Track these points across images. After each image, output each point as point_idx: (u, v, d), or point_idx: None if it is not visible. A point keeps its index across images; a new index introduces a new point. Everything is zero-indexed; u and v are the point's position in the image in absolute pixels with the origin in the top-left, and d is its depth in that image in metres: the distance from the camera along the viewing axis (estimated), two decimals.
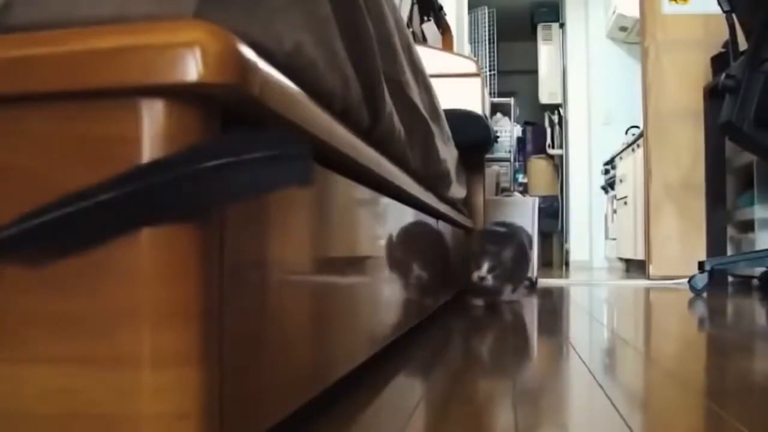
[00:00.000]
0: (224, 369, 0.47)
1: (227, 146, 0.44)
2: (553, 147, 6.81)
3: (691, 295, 2.77)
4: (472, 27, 6.30)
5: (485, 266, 2.05)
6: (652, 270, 3.76)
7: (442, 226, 1.78)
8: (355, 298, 0.90)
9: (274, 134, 0.48)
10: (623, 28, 5.90)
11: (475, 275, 2.06)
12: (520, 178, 6.72)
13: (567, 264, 6.43)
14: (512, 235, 2.24)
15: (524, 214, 3.16)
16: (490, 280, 2.06)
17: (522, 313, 2.12)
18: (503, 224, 2.39)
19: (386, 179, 0.96)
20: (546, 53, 6.84)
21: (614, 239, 5.43)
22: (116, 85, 0.44)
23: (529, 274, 3.09)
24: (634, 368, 1.18)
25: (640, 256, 4.13)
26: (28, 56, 0.45)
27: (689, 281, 2.86)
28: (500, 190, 4.40)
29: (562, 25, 6.77)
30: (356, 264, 0.90)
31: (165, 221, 0.43)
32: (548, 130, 6.89)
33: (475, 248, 2.13)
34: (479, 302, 2.21)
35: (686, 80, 3.72)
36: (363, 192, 0.91)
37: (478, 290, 2.14)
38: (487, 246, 2.10)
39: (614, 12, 5.73)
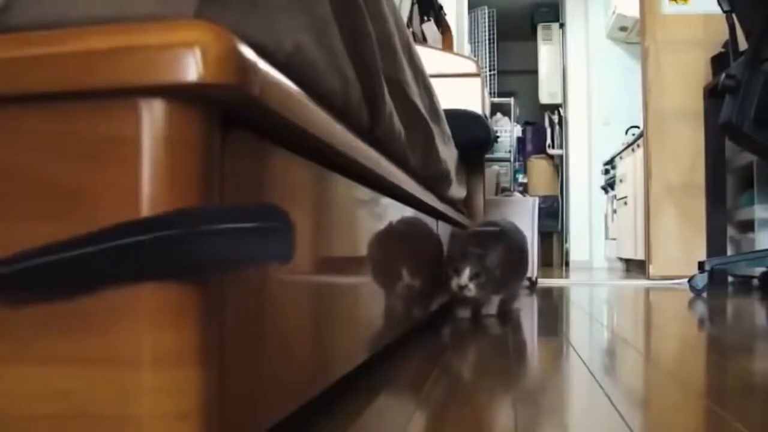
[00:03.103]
0: (224, 369, 0.47)
1: (209, 215, 0.44)
2: (553, 147, 6.81)
3: (691, 295, 2.77)
4: (472, 27, 6.30)
5: (466, 273, 1.66)
6: (652, 270, 3.76)
7: (442, 226, 1.78)
8: (355, 298, 0.90)
9: (258, 207, 0.48)
10: (623, 28, 5.90)
11: (454, 283, 1.68)
12: (520, 178, 6.72)
13: (567, 264, 6.44)
14: (501, 235, 1.84)
15: (524, 214, 3.16)
16: (472, 289, 1.67)
17: (522, 313, 2.12)
18: (494, 224, 1.98)
19: (386, 179, 0.96)
20: (546, 53, 6.84)
21: (614, 239, 5.43)
22: (116, 85, 0.44)
23: (529, 274, 3.09)
24: (634, 368, 1.18)
25: (640, 256, 4.13)
26: (28, 56, 0.45)
27: (689, 281, 2.86)
28: (500, 190, 4.40)
29: (562, 25, 6.77)
30: (356, 264, 0.90)
31: (142, 280, 0.43)
32: (548, 130, 6.89)
33: (454, 251, 1.74)
34: (465, 313, 1.93)
35: (686, 80, 3.72)
36: (363, 192, 0.91)
37: (461, 300, 1.80)
38: (470, 248, 1.71)
39: (614, 12, 5.74)
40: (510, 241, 1.85)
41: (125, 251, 0.43)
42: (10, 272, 0.44)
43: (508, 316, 1.90)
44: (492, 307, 1.87)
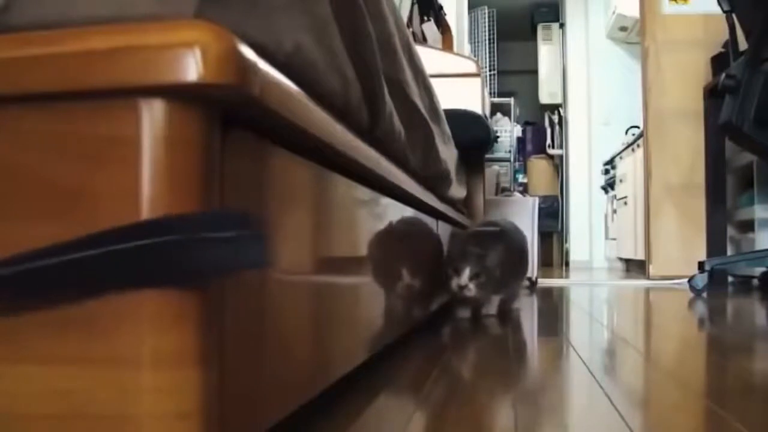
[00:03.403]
0: (224, 369, 0.47)
1: (177, 223, 0.44)
2: (553, 147, 6.81)
3: (691, 295, 2.77)
4: (472, 27, 6.30)
5: (466, 273, 1.65)
6: (652, 270, 3.76)
7: (442, 226, 1.78)
8: (355, 298, 0.90)
9: (230, 214, 0.48)
10: (623, 28, 5.90)
11: (454, 283, 1.67)
12: (520, 178, 6.72)
13: (567, 264, 6.44)
14: (502, 235, 1.82)
15: (524, 214, 3.16)
16: (472, 289, 1.66)
17: (522, 313, 2.12)
18: (494, 223, 1.95)
19: (386, 179, 0.96)
20: (546, 53, 6.84)
21: (614, 239, 5.43)
22: (116, 85, 0.44)
23: (529, 274, 3.09)
24: (634, 368, 1.18)
25: (640, 256, 4.13)
26: (28, 56, 0.45)
27: (689, 281, 2.86)
28: (500, 190, 4.40)
29: (562, 25, 6.77)
30: (356, 264, 0.90)
31: (122, 287, 0.43)
32: (548, 130, 6.89)
33: (454, 251, 1.73)
34: (466, 313, 1.92)
35: (686, 80, 3.72)
36: (363, 192, 0.91)
37: (461, 300, 1.79)
38: (470, 248, 1.70)
39: (614, 12, 5.74)
40: (510, 241, 1.84)
41: (116, 256, 0.42)
42: (11, 273, 0.43)
43: (508, 316, 1.89)
44: (492, 307, 1.87)
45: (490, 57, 6.50)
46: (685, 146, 3.71)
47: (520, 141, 6.74)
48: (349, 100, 0.75)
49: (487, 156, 3.25)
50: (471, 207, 2.65)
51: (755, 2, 2.62)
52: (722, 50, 3.41)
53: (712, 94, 3.33)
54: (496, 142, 4.53)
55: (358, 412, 0.82)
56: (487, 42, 6.46)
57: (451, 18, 4.21)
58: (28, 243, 0.44)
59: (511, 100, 5.98)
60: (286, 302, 0.61)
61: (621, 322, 1.99)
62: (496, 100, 6.00)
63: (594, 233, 6.28)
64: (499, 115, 5.92)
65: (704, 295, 2.76)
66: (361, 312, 0.94)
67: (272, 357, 0.57)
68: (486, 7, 6.44)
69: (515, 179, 6.01)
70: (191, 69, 0.42)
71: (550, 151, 6.82)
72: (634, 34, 5.36)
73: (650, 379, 1.09)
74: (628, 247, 4.75)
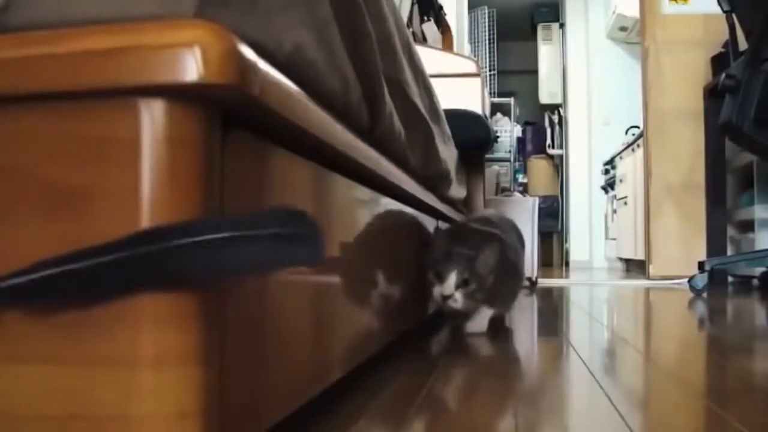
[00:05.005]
0: (225, 369, 0.47)
1: (235, 221, 0.44)
2: (553, 147, 6.82)
3: (691, 295, 2.77)
4: (472, 27, 6.30)
5: (451, 279, 1.34)
6: (652, 270, 3.76)
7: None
8: (355, 298, 0.89)
9: (284, 212, 0.48)
10: (623, 28, 5.90)
11: (436, 292, 1.36)
12: (520, 178, 6.72)
13: (567, 264, 6.44)
14: (496, 232, 1.47)
15: (524, 214, 3.16)
16: (459, 300, 1.35)
17: (522, 313, 2.12)
18: (487, 218, 1.59)
19: (386, 179, 0.96)
20: (546, 53, 6.84)
21: (614, 239, 5.43)
22: (116, 85, 0.44)
23: (529, 274, 3.09)
24: (634, 368, 1.18)
25: (640, 256, 4.13)
26: (28, 56, 0.45)
27: (689, 281, 2.86)
28: (500, 190, 4.40)
29: (562, 25, 6.77)
30: (357, 264, 0.89)
31: (166, 287, 0.43)
32: (548, 130, 6.89)
33: (437, 250, 1.39)
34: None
35: (686, 80, 3.72)
36: (363, 192, 0.91)
37: (446, 314, 1.46)
38: (457, 248, 1.37)
39: (614, 12, 5.74)
40: (506, 240, 1.50)
41: (144, 259, 0.43)
42: (25, 282, 0.43)
43: (499, 336, 1.52)
44: (481, 323, 1.50)
45: (490, 57, 6.50)
46: (685, 146, 3.71)
47: (520, 141, 6.75)
48: (349, 100, 0.75)
49: (487, 156, 3.25)
50: (471, 207, 2.65)
51: (755, 2, 2.63)
52: (722, 50, 3.41)
53: (712, 94, 3.33)
54: (496, 142, 4.53)
55: (358, 411, 0.82)
56: (487, 42, 6.46)
57: (451, 18, 4.21)
58: (28, 244, 0.44)
59: (511, 100, 5.99)
60: (286, 302, 0.61)
61: (621, 322, 1.99)
62: (496, 100, 6.00)
63: (594, 233, 6.28)
64: (499, 115, 5.92)
65: (704, 295, 2.76)
66: (362, 312, 0.94)
67: (272, 357, 0.57)
68: (486, 7, 6.45)
69: (515, 179, 6.01)
70: (191, 69, 0.42)
71: (550, 151, 6.82)
72: (634, 34, 5.36)
73: (650, 379, 1.09)
74: (628, 247, 4.75)
